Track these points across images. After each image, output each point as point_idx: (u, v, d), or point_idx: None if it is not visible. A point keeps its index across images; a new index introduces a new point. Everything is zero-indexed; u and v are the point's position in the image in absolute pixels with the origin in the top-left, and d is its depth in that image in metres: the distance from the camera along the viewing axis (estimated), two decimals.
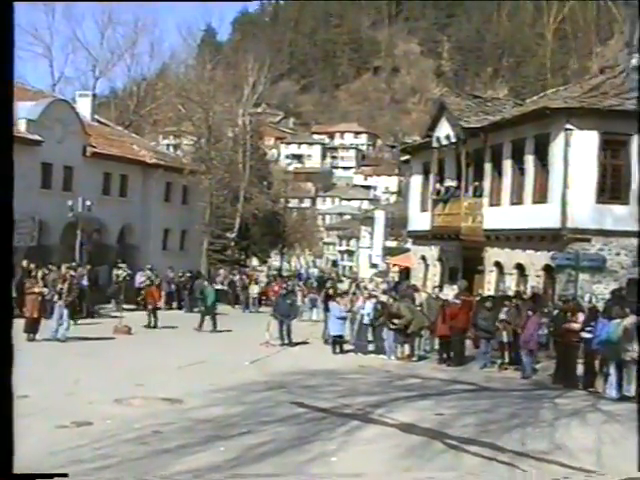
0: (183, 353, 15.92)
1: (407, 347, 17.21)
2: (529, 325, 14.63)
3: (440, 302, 17.54)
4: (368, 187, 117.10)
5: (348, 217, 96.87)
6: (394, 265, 38.85)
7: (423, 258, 27.27)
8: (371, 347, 17.97)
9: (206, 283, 27.94)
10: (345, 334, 18.47)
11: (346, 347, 18.23)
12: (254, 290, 30.76)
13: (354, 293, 20.62)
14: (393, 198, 73.65)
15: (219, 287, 30.93)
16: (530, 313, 14.89)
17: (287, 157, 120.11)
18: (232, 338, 19.71)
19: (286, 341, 18.76)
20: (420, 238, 27.11)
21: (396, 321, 16.90)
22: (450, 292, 19.22)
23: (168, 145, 53.47)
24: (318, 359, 16.46)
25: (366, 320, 18.00)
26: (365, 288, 23.82)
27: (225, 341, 18.94)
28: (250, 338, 18.76)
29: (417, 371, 15.23)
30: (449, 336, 16.48)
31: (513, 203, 20.92)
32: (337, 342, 17.95)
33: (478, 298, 18.24)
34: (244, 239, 47.50)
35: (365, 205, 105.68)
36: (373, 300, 18.29)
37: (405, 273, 32.17)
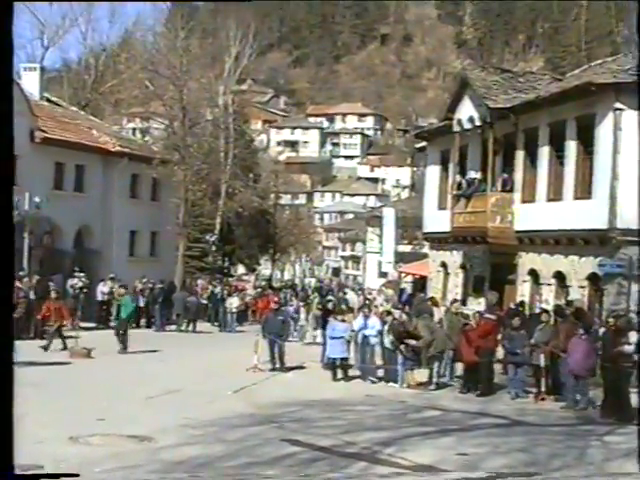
0: (153, 380, 15.95)
1: (424, 373, 17.36)
2: (576, 348, 14.64)
3: (463, 319, 17.63)
4: (375, 180, 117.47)
5: (351, 216, 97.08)
6: (407, 274, 38.64)
7: (443, 265, 27.34)
8: (380, 373, 18.09)
9: (190, 296, 28.23)
10: (349, 357, 18.51)
11: (350, 372, 18.33)
12: (232, 304, 30.48)
13: (364, 308, 20.52)
14: (405, 193, 73.45)
15: (203, 301, 31.13)
16: (581, 332, 14.85)
17: (278, 144, 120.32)
18: (212, 362, 19.82)
19: (277, 365, 18.89)
20: (439, 241, 27.21)
21: (412, 342, 16.95)
22: (476, 306, 19.26)
23: (134, 129, 53.56)
24: (316, 387, 16.55)
25: (373, 340, 18.04)
26: (373, 300, 23.88)
27: (204, 366, 19.01)
28: (234, 362, 18.87)
29: (436, 402, 15.29)
30: (475, 360, 16.55)
31: (550, 199, 20.96)
32: (339, 367, 18.03)
33: (509, 313, 18.39)
34: (227, 243, 47.49)
35: (372, 202, 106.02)
36: (384, 316, 18.42)
37: (421, 283, 32.26)
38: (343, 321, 18.57)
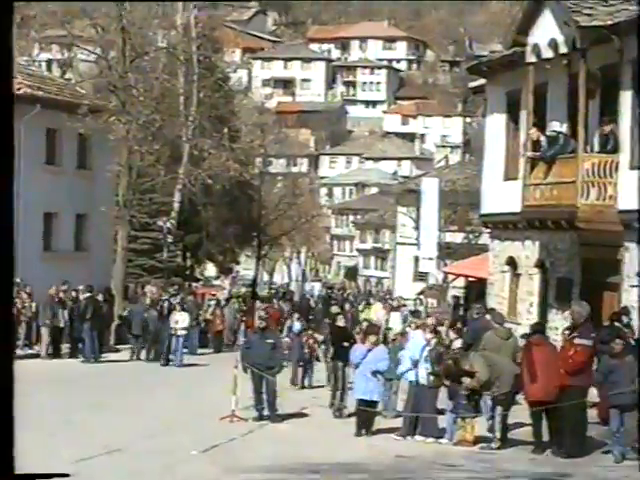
0: (85, 435, 16.03)
1: (485, 423, 17.38)
2: None
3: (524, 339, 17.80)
4: (410, 137, 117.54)
5: (374, 191, 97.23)
6: (457, 276, 38.75)
7: (510, 263, 27.41)
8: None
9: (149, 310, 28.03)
10: (378, 399, 18.61)
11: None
12: (178, 322, 29.80)
13: (404, 330, 20.59)
14: (455, 156, 73.59)
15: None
16: None
17: (266, 84, 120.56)
18: (171, 407, 19.97)
19: (266, 412, 19.08)
20: (504, 227, 27.20)
21: (466, 381, 17.08)
22: (560, 322, 19.25)
23: (49, 62, 53.55)
24: (323, 444, 16.64)
25: (411, 376, 18.12)
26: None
27: (159, 413, 19.12)
28: (202, 407, 18.98)
29: (501, 465, 15.26)
30: (547, 400, 16.51)
31: None
32: (364, 415, 18.08)
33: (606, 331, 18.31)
34: (191, 231, 47.72)
35: (405, 169, 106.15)
36: (427, 336, 18.48)
37: (477, 290, 32.41)
38: (375, 345, 18.64)
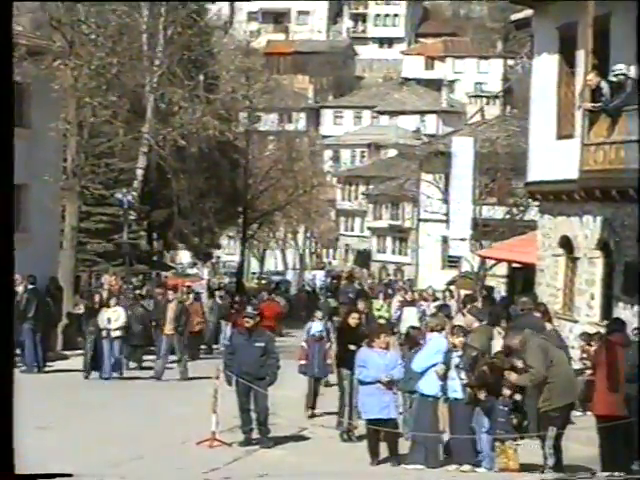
0: (31, 459, 16.08)
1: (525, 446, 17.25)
2: None
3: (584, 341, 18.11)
4: (436, 85, 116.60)
5: (392, 153, 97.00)
6: (497, 261, 39.10)
7: (565, 245, 27.46)
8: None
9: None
10: (395, 416, 18.64)
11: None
12: (111, 321, 29.66)
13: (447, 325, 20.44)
14: (494, 109, 73.27)
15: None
16: None
17: (252, 17, 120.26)
18: (138, 427, 20.32)
19: (255, 434, 19.25)
20: (556, 199, 27.35)
21: (510, 377, 16.97)
22: (629, 319, 19.46)
23: None
24: (329, 476, 16.67)
25: (433, 390, 18.09)
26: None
27: (121, 437, 19.25)
28: (176, 426, 19.45)
29: None
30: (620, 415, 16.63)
31: None
32: (375, 438, 18.09)
33: None
34: (158, 206, 48.28)
35: (431, 125, 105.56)
36: (453, 340, 18.37)
37: (523, 279, 32.67)
38: (384, 349, 18.61)
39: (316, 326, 25.40)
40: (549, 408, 16.80)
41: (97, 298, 32.26)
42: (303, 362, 23.78)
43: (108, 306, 30.16)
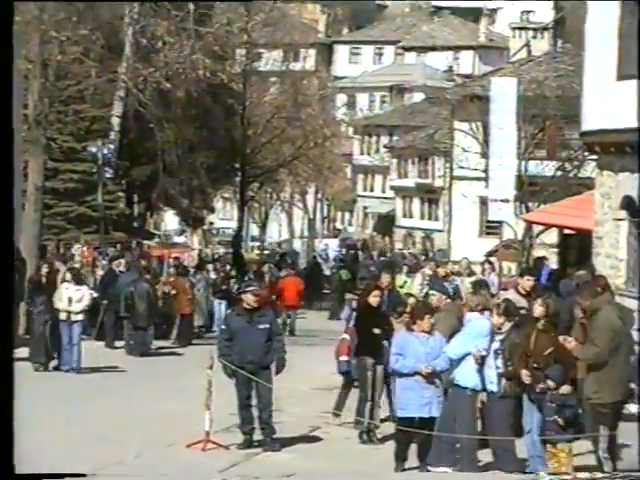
0: None
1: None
2: None
3: None
4: (473, 14, 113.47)
5: (419, 98, 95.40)
6: (547, 226, 38.43)
7: (628, 207, 26.45)
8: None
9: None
10: (437, 414, 17.77)
11: None
12: (72, 302, 28.34)
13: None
14: (542, 45, 71.37)
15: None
16: None
17: None
18: (116, 426, 20.23)
19: (257, 436, 19.00)
20: (618, 152, 26.16)
21: (573, 346, 16.37)
22: None
23: None
24: None
25: (472, 382, 17.31)
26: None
27: (102, 436, 19.21)
28: (164, 425, 19.77)
29: None
30: None
31: None
32: (406, 440, 17.39)
33: None
34: (139, 162, 47.53)
35: (466, 63, 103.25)
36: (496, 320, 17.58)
37: (578, 248, 31.91)
38: (428, 332, 17.66)
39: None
40: (598, 401, 16.77)
41: (45, 270, 31.23)
42: (344, 358, 22.09)
43: (64, 281, 29.38)
